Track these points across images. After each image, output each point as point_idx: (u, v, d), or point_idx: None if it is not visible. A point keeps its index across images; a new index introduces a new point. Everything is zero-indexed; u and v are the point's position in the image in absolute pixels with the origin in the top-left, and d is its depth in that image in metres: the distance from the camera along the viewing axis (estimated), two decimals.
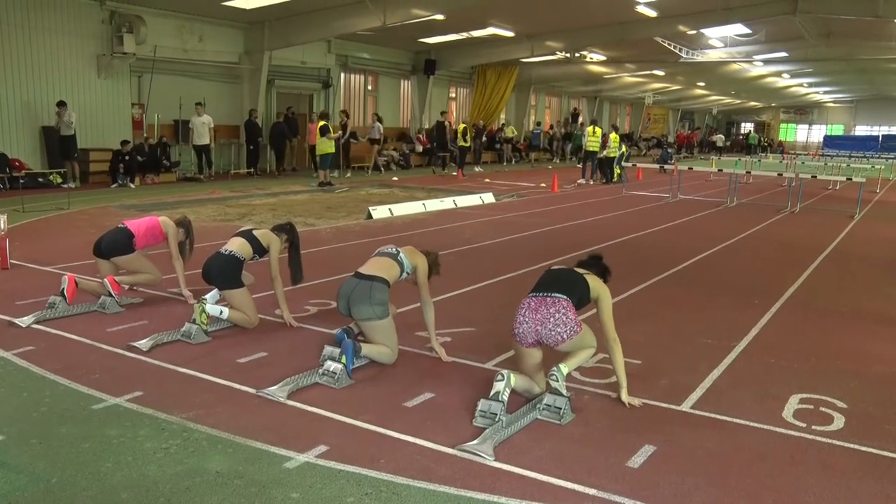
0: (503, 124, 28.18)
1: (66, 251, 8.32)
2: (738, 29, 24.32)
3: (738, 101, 53.61)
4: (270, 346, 5.18)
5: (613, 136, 20.91)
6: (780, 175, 18.38)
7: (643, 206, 15.44)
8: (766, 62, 32.34)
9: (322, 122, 17.00)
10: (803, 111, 60.16)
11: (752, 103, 56.71)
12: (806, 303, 7.14)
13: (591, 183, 20.24)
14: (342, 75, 23.41)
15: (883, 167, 24.53)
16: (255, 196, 14.68)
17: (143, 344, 5.04)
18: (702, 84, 40.41)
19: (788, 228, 12.82)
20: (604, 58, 28.82)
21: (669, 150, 32.07)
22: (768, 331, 6.09)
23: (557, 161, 31.96)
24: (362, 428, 3.89)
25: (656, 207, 15.30)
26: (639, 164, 21.42)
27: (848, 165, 26.17)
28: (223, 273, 5.53)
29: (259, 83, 19.44)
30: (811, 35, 24.78)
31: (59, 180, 14.94)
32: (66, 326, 5.47)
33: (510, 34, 22.77)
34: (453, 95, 30.24)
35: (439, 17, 18.54)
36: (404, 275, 5.03)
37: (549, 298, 4.32)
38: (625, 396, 4.33)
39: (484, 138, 27.71)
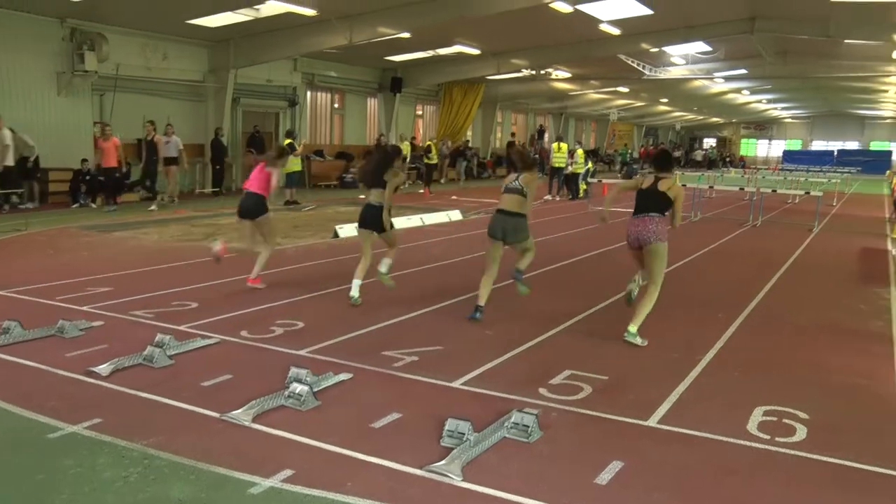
0: (432, 141, 26.20)
1: (23, 273, 8.07)
2: (700, 47, 24.87)
3: (701, 117, 54.78)
4: (235, 369, 5.08)
5: (580, 152, 21.13)
6: (741, 189, 18.72)
7: (611, 220, 15.53)
8: (727, 79, 33.03)
9: (288, 141, 16.89)
10: (763, 127, 61.58)
11: (714, 119, 57.94)
12: (768, 315, 7.25)
13: (558, 199, 20.38)
14: (308, 93, 23.35)
15: (839, 181, 25.13)
16: (220, 215, 14.50)
17: (103, 369, 4.91)
18: (665, 100, 41.17)
19: (750, 242, 13.04)
20: (569, 75, 29.11)
21: (635, 166, 32.50)
22: (732, 344, 6.16)
23: None
24: (329, 451, 3.83)
25: (622, 223, 15.32)
26: (605, 180, 21.65)
27: (806, 179, 26.78)
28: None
29: (224, 101, 19.28)
30: (769, 53, 25.41)
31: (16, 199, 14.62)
32: (21, 352, 5.30)
33: (476, 52, 22.96)
34: (420, 113, 30.33)
35: (405, 35, 18.60)
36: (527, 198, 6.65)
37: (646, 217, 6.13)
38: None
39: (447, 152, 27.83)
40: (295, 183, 17.16)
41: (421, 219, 14.19)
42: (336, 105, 25.21)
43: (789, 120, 60.36)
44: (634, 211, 6.23)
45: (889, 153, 53.53)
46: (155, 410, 4.32)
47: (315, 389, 4.56)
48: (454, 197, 20.37)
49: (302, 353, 5.50)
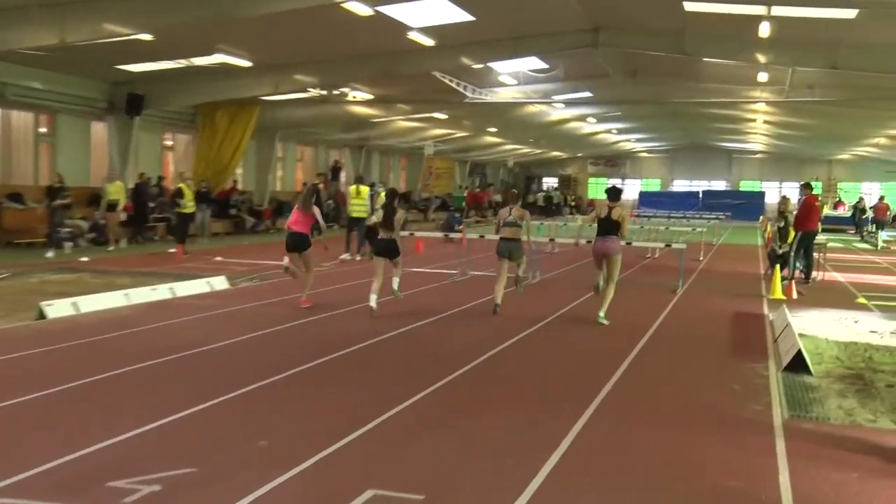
0: (185, 183, 25.10)
1: None
2: (534, 63, 26.53)
3: (539, 151, 58.11)
4: None
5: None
6: (589, 242, 19.88)
7: (424, 286, 15.95)
8: (568, 104, 35.49)
9: None
10: (614, 163, 66.46)
11: (555, 153, 61.75)
12: (625, 404, 7.68)
13: (358, 258, 20.50)
14: None
15: (705, 229, 27.57)
16: None
17: None
18: (493, 130, 43.39)
19: None
20: (371, 97, 29.90)
21: (457, 215, 33.65)
22: (582, 442, 6.44)
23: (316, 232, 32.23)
24: None
25: (442, 288, 15.85)
26: (417, 233, 22.13)
27: (667, 228, 29.13)
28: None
29: None
30: (616, 72, 27.69)
31: None
32: None
33: (246, 64, 22.95)
34: (170, 143, 29.68)
35: (146, 37, 18.23)
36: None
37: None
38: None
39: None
40: None
41: (171, 289, 13.78)
42: (43, 129, 24.05)
43: (645, 154, 65.84)
44: (599, 233, 12.22)
45: (761, 195, 59.73)
46: None
47: None
48: (218, 258, 19.96)
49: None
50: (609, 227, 12.04)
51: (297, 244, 12.98)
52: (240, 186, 31.59)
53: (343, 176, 38.12)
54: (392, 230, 12.45)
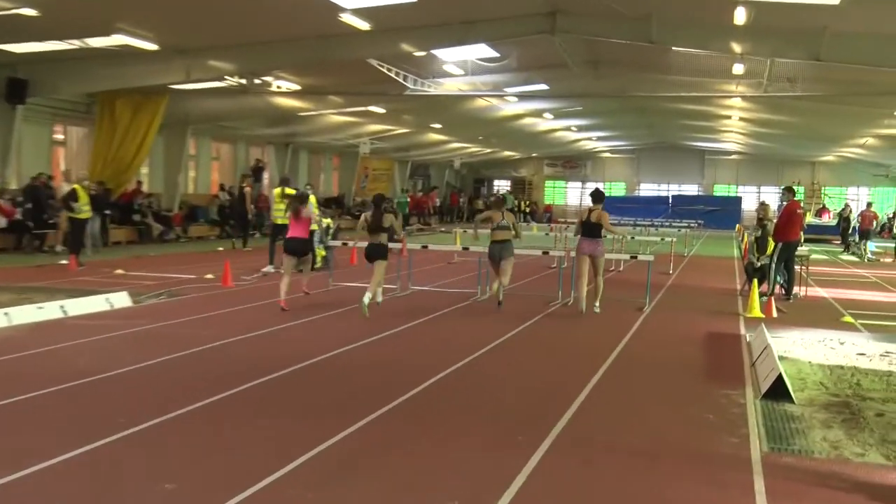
0: (81, 184, 24.57)
1: None
2: (483, 51, 26.59)
3: (489, 150, 58.44)
4: None
5: (312, 199, 21.26)
6: (545, 253, 19.98)
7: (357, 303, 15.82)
8: (522, 97, 35.66)
9: None
10: (574, 164, 67.08)
11: (507, 153, 62.16)
12: (585, 436, 7.70)
13: (283, 271, 20.34)
14: None
15: (675, 239, 27.87)
16: None
17: None
18: (438, 126, 43.53)
19: (561, 328, 13.94)
20: (298, 87, 29.76)
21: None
22: (536, 481, 6.42)
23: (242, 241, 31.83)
24: None
25: (378, 305, 15.78)
26: (352, 243, 21.99)
27: (633, 238, 29.29)
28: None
29: None
30: (575, 62, 27.89)
31: None
32: None
33: (151, 47, 22.66)
34: (61, 138, 29.19)
35: (29, 11, 17.89)
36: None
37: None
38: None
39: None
40: None
41: (62, 307, 13.55)
42: None
43: (608, 154, 66.63)
44: (584, 234, 15.32)
45: (738, 201, 60.77)
46: None
47: None
48: (119, 271, 19.68)
49: None
50: (593, 229, 15.27)
51: (300, 249, 15.59)
52: (145, 188, 31.14)
53: (266, 177, 37.83)
54: (380, 234, 14.78)
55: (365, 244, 15.10)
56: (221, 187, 35.66)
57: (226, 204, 33.59)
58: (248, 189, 27.52)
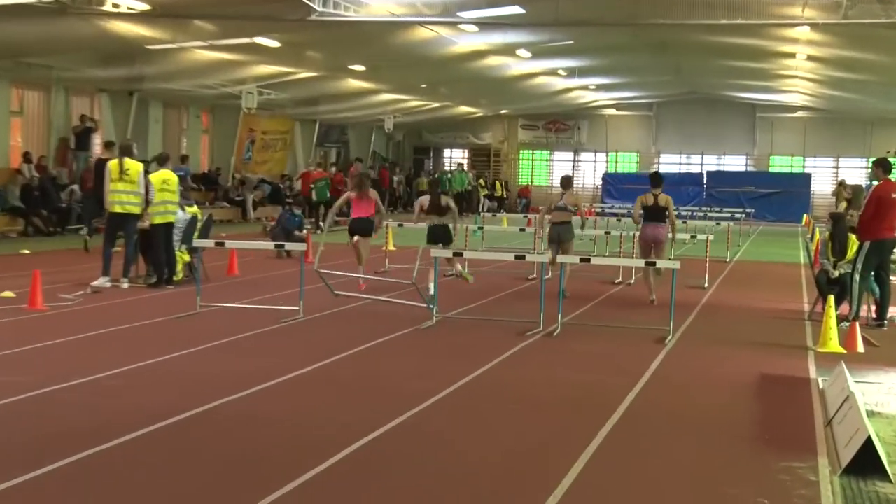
0: None
1: None
2: None
3: (436, 105, 57.68)
4: None
5: (168, 177, 20.64)
6: (520, 258, 19.62)
7: (243, 332, 15.64)
8: (484, 25, 34.89)
9: None
10: (562, 125, 66.64)
11: (464, 109, 61.57)
12: None
13: (125, 285, 20.20)
14: None
15: (712, 236, 27.42)
16: None
17: None
18: (360, 69, 42.93)
19: (543, 368, 13.65)
20: (146, 6, 28.72)
21: (297, 211, 33.40)
22: None
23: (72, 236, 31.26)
24: None
25: (273, 333, 15.47)
26: (230, 244, 21.78)
27: (695, 240, 28.67)
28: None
29: None
30: None
31: None
32: None
33: None
34: None
35: None
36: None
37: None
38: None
39: None
40: None
41: None
42: None
43: (612, 112, 66.28)
44: (647, 219, 20.88)
45: (805, 179, 60.83)
46: None
47: None
48: None
49: None
50: (657, 213, 20.59)
51: (364, 229, 21.44)
52: None
53: (98, 142, 37.19)
54: (444, 214, 20.59)
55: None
56: (27, 157, 34.98)
57: (32, 183, 33.11)
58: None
